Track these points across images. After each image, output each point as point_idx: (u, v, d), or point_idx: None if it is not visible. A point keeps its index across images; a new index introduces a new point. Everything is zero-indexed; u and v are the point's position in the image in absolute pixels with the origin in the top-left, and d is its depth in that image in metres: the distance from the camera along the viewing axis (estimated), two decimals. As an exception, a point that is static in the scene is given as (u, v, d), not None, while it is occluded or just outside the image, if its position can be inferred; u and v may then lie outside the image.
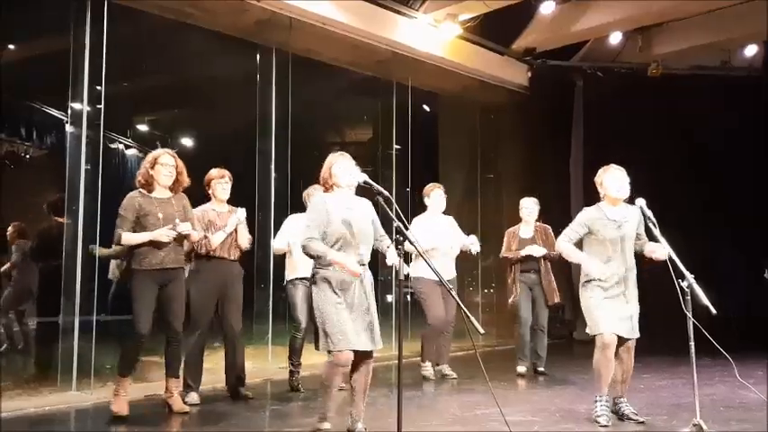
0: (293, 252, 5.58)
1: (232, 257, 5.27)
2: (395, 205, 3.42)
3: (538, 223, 6.74)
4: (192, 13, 7.02)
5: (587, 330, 4.46)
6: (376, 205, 3.64)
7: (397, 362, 3.39)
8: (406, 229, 3.39)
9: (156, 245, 4.54)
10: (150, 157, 4.73)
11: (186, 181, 4.77)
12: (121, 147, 11.98)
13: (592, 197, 7.06)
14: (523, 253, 6.47)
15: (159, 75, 9.45)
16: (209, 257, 5.18)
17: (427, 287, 6.19)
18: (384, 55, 8.39)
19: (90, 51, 5.94)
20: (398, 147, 9.11)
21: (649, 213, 4.31)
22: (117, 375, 4.66)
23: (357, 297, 3.83)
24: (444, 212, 6.53)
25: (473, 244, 6.24)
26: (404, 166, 8.99)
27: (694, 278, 3.87)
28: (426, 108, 12.19)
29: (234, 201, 5.46)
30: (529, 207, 6.70)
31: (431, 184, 6.56)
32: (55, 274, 6.03)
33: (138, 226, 4.58)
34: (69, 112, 6.33)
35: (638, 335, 4.41)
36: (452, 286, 6.25)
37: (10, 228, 7.65)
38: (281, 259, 5.99)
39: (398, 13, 8.04)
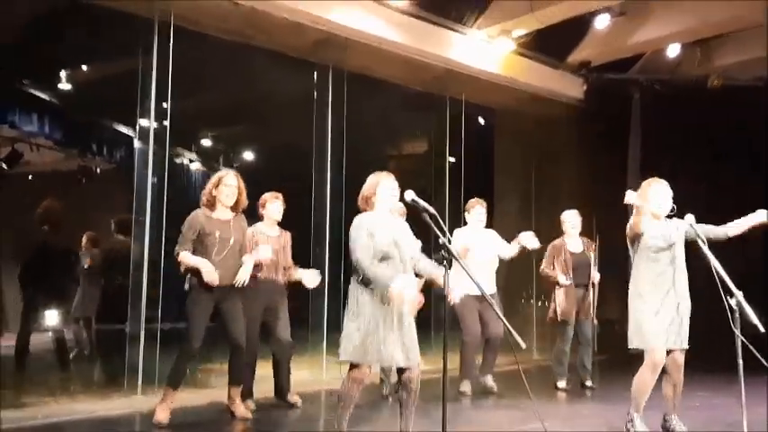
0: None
1: (279, 279, 5.46)
2: (441, 222, 3.52)
3: (583, 238, 6.73)
4: (253, 34, 7.32)
5: (637, 345, 4.43)
6: (422, 222, 3.69)
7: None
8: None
9: (213, 263, 4.74)
10: (215, 177, 4.97)
11: (245, 201, 4.99)
12: (186, 161, 12.46)
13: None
14: (564, 281, 6.47)
15: (222, 92, 9.79)
16: (255, 279, 5.28)
17: (463, 302, 6.13)
18: (438, 71, 8.51)
19: (157, 71, 6.26)
20: (452, 160, 9.22)
21: (698, 229, 4.30)
22: (166, 385, 4.86)
23: (396, 313, 3.81)
24: (486, 227, 6.53)
25: (528, 240, 6.16)
26: (458, 180, 9.07)
27: (743, 295, 3.85)
28: (482, 121, 12.26)
29: (292, 215, 5.65)
30: (572, 220, 6.70)
31: (473, 200, 6.58)
32: (120, 286, 6.38)
33: (199, 244, 4.79)
34: (138, 128, 6.67)
35: (686, 345, 4.41)
36: (495, 300, 6.32)
37: (84, 236, 8.07)
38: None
39: (452, 30, 8.16)
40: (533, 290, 9.98)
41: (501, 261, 6.46)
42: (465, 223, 6.55)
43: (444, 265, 3.48)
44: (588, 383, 6.56)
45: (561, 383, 6.55)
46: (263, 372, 5.66)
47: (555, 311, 6.54)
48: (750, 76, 9.70)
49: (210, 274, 4.69)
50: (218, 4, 6.54)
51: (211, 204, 4.88)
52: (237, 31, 7.21)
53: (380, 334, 3.78)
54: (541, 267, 6.66)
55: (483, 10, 8.14)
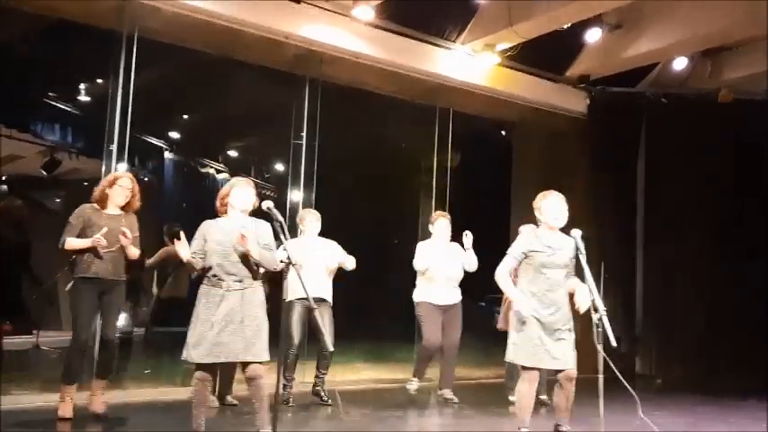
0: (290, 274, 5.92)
1: None
2: (285, 231, 3.69)
3: None
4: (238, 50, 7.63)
5: (514, 360, 4.45)
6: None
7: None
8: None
9: (95, 254, 4.85)
10: (111, 176, 5.14)
11: (138, 204, 5.12)
12: (212, 171, 13.02)
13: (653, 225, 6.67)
14: None
15: (239, 106, 10.16)
16: None
17: (426, 310, 6.37)
18: (430, 85, 8.54)
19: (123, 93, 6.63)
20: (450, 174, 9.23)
21: (581, 246, 4.29)
22: (61, 383, 4.90)
23: (232, 310, 3.94)
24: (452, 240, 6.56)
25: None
26: (445, 195, 9.09)
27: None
28: (503, 133, 12.18)
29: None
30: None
31: (436, 213, 6.72)
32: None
33: (84, 236, 4.87)
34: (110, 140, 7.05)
35: (573, 366, 4.36)
36: (457, 311, 6.48)
37: None
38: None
39: (435, 45, 8.19)
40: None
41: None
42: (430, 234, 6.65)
43: (284, 270, 3.64)
44: (511, 398, 6.41)
45: (513, 398, 6.44)
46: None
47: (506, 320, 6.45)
48: (762, 90, 9.34)
49: (99, 240, 4.73)
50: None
51: (102, 201, 4.99)
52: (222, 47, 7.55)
53: (207, 333, 3.92)
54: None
55: (465, 25, 8.18)
